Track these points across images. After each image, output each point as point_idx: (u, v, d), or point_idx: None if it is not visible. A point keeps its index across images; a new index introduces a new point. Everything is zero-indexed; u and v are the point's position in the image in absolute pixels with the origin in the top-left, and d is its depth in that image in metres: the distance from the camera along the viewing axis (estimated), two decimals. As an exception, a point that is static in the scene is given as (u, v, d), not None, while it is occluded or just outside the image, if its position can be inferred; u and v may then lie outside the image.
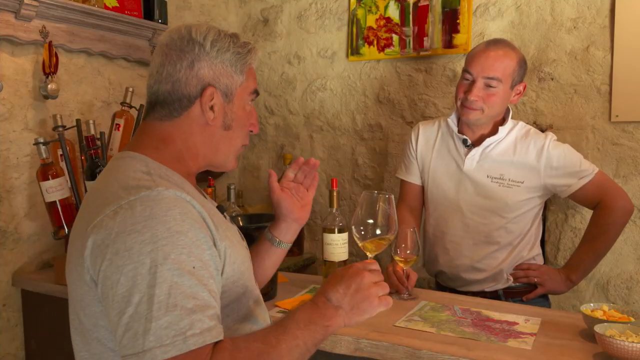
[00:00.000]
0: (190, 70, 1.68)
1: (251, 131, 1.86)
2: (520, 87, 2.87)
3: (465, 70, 2.84)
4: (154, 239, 1.40)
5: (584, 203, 2.93)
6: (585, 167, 2.82)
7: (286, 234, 2.14)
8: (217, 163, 1.82)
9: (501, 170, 2.86)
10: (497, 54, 2.77)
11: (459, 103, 2.86)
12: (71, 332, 1.66)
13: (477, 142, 2.92)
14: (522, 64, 2.83)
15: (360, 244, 2.26)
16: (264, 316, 1.84)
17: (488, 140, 2.87)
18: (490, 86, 2.76)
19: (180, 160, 1.72)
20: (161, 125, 1.72)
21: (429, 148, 3.04)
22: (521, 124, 2.95)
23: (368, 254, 2.27)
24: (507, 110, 2.94)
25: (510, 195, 2.84)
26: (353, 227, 2.25)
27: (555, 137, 2.87)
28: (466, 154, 2.92)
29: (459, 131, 2.96)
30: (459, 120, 2.96)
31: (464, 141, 2.94)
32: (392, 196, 2.25)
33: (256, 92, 1.84)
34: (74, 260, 1.54)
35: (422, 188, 3.10)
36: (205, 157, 1.77)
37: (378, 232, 2.22)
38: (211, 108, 1.71)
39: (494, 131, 2.90)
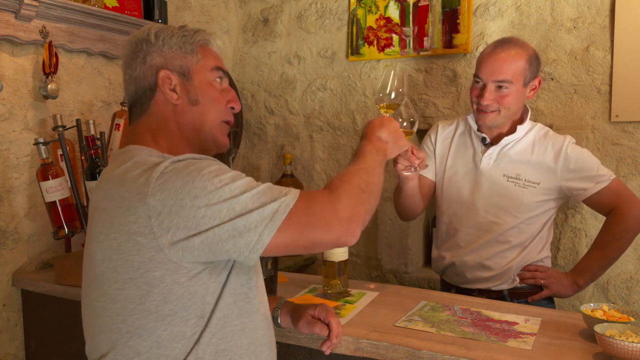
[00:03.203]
0: (144, 65, 1.80)
1: (232, 108, 1.92)
2: (535, 83, 2.84)
3: (475, 75, 2.83)
4: (214, 173, 1.54)
5: (598, 208, 2.89)
6: (602, 172, 2.79)
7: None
8: (205, 143, 1.88)
9: (518, 170, 2.85)
10: (505, 56, 2.74)
11: (474, 107, 2.84)
12: (87, 320, 1.80)
13: (495, 141, 2.91)
14: (533, 60, 2.79)
15: (378, 107, 2.36)
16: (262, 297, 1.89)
17: (506, 139, 2.86)
18: (502, 87, 2.74)
19: (174, 149, 1.80)
20: (142, 122, 1.83)
21: (447, 146, 3.02)
22: (540, 125, 2.93)
23: (385, 112, 2.34)
24: (526, 110, 2.93)
25: (526, 195, 2.82)
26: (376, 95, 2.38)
27: (573, 140, 2.85)
28: (484, 153, 2.91)
29: (478, 129, 2.94)
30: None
31: (483, 139, 2.92)
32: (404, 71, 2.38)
33: (219, 69, 1.90)
34: (127, 234, 1.58)
35: (435, 185, 3.07)
36: (192, 139, 1.85)
37: (393, 95, 2.32)
38: (174, 90, 1.81)
39: (512, 130, 2.88)
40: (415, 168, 2.56)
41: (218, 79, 1.89)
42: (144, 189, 1.54)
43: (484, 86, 2.77)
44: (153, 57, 1.80)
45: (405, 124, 2.36)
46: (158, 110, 1.81)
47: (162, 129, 1.81)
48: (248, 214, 1.50)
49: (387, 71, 2.30)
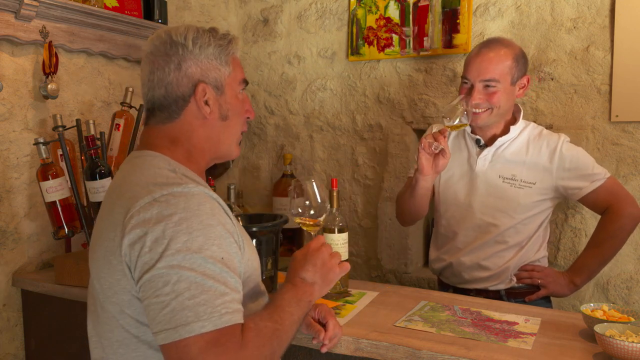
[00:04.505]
0: (179, 72, 1.77)
1: (248, 117, 1.95)
2: (524, 81, 2.87)
3: (463, 77, 2.86)
4: (190, 230, 1.52)
5: (593, 207, 2.90)
6: (597, 170, 2.80)
7: None
8: (221, 154, 1.90)
9: (513, 171, 2.86)
10: (491, 57, 2.78)
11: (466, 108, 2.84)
12: (89, 321, 1.79)
13: (489, 142, 2.92)
14: (520, 59, 2.83)
15: (301, 225, 2.36)
16: None
17: (500, 140, 2.88)
18: (489, 86, 2.77)
19: (190, 158, 1.81)
20: (165, 128, 1.81)
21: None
22: (533, 124, 2.94)
23: (312, 232, 2.36)
24: (518, 109, 2.94)
25: (522, 195, 2.84)
26: (291, 210, 2.35)
27: (568, 139, 2.86)
28: (478, 154, 2.93)
29: (472, 131, 2.96)
30: None
31: (477, 141, 2.94)
32: (313, 181, 2.33)
33: (245, 81, 1.93)
34: (104, 250, 1.64)
35: (432, 188, 3.07)
36: (210, 151, 1.86)
37: (312, 212, 2.31)
38: (206, 103, 1.80)
39: (505, 131, 2.90)
40: (442, 150, 2.64)
41: (242, 91, 1.92)
42: (129, 209, 1.59)
43: (472, 86, 2.80)
44: (189, 65, 1.78)
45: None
46: (186, 121, 1.81)
47: (186, 139, 1.81)
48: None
49: (310, 185, 2.31)
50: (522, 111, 2.94)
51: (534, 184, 2.83)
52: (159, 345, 1.48)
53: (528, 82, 2.89)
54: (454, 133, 3.01)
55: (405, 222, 3.18)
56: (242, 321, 1.53)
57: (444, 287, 3.10)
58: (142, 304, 1.55)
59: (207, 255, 1.51)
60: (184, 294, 1.46)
